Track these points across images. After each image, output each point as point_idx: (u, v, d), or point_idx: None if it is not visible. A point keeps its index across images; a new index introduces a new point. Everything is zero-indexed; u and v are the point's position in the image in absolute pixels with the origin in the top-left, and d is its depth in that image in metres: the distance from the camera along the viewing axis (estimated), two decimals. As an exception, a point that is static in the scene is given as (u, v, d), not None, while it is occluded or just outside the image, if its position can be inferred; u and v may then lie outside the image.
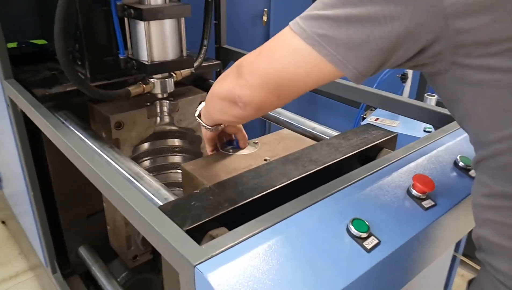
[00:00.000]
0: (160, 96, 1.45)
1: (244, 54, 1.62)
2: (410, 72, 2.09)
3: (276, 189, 0.87)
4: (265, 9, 2.48)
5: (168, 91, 1.44)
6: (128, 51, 1.40)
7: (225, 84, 0.80)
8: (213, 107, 0.89)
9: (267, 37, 2.54)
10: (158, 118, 1.51)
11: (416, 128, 1.96)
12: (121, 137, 1.42)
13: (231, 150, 1.15)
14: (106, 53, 1.45)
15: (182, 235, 0.68)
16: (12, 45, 2.10)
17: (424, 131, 1.94)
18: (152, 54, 1.34)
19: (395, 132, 1.16)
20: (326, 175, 0.92)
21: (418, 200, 0.81)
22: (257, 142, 1.19)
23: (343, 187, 0.80)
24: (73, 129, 1.27)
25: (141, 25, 1.31)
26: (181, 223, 0.74)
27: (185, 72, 1.51)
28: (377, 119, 2.03)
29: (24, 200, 1.60)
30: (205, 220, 0.76)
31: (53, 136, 1.08)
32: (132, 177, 1.03)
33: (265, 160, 1.11)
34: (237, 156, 1.13)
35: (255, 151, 1.16)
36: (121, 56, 1.36)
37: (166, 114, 1.52)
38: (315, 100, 2.93)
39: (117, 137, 1.41)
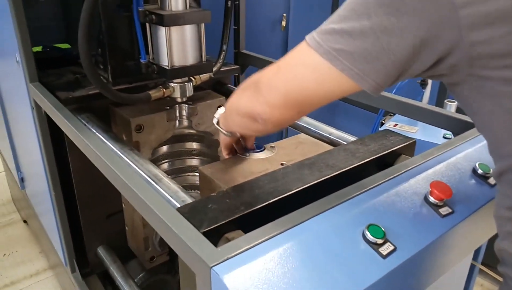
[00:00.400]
0: (179, 100, 1.47)
1: (262, 60, 1.64)
2: (429, 78, 2.07)
3: (292, 193, 0.88)
4: (284, 14, 2.49)
5: (187, 95, 1.47)
6: (149, 55, 1.42)
7: (244, 100, 0.80)
8: (232, 121, 0.90)
9: (285, 43, 2.55)
10: (177, 122, 1.54)
11: (435, 135, 1.94)
12: (141, 140, 1.45)
13: (248, 154, 1.16)
14: (128, 58, 1.48)
15: (199, 237, 0.70)
16: (37, 49, 2.16)
17: (444, 137, 1.92)
18: (172, 59, 1.36)
19: (413, 138, 1.15)
20: (342, 180, 0.92)
21: (435, 207, 0.81)
22: (274, 147, 1.20)
23: (359, 192, 0.80)
24: (94, 131, 1.30)
25: (162, 31, 1.33)
26: (198, 225, 0.75)
27: (204, 76, 1.53)
28: (396, 125, 2.01)
29: (46, 200, 1.64)
30: (222, 222, 0.77)
31: (76, 138, 1.11)
32: (151, 179, 1.05)
33: (282, 164, 1.12)
34: (254, 160, 1.14)
35: (272, 155, 1.16)
36: (142, 61, 1.39)
37: (185, 117, 1.55)
38: (333, 105, 2.93)
39: (137, 139, 1.44)
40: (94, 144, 1.02)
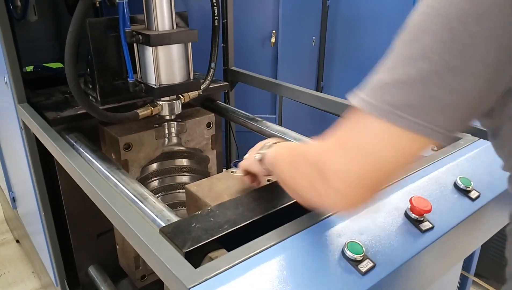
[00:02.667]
0: (167, 117, 1.49)
1: (251, 76, 1.64)
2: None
3: (276, 210, 0.88)
4: (273, 31, 2.52)
5: (176, 113, 1.48)
6: (137, 74, 1.44)
7: (306, 188, 0.67)
8: (292, 193, 0.76)
9: (275, 58, 2.58)
10: (166, 139, 1.55)
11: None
12: (130, 158, 1.45)
13: (235, 170, 1.17)
14: (116, 77, 1.49)
15: (179, 258, 0.70)
16: (29, 68, 2.18)
17: (432, 150, 1.93)
18: (160, 77, 1.38)
19: None
20: None
21: (416, 222, 0.81)
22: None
23: (339, 209, 0.81)
24: (82, 151, 1.31)
25: (149, 50, 1.35)
26: (181, 245, 0.75)
27: (193, 94, 1.55)
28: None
29: (36, 220, 1.64)
30: (205, 242, 0.77)
31: (61, 159, 1.12)
32: (137, 198, 1.05)
33: (268, 181, 1.12)
34: (241, 177, 1.14)
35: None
36: (130, 80, 1.41)
37: (174, 135, 1.56)
38: (326, 117, 2.95)
39: (126, 158, 1.44)
40: (78, 165, 1.03)
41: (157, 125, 1.51)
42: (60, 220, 1.61)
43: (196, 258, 0.75)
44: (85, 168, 1.02)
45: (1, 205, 2.93)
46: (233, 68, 1.91)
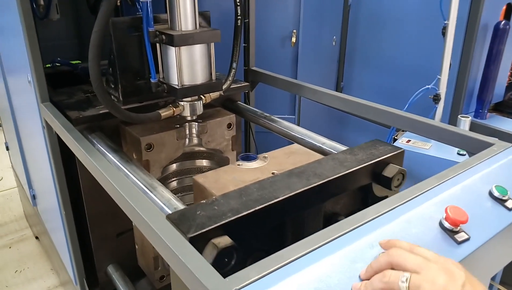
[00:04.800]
0: (189, 118, 1.47)
1: (272, 77, 1.62)
2: (443, 93, 2.04)
3: (279, 201, 0.90)
4: (294, 31, 2.49)
5: (197, 114, 1.47)
6: (160, 75, 1.43)
7: None
8: None
9: (296, 58, 2.55)
10: (187, 140, 1.53)
11: (449, 151, 1.91)
12: (151, 159, 1.44)
13: (241, 163, 1.21)
14: (138, 77, 1.49)
15: (184, 243, 0.72)
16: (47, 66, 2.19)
17: (458, 154, 1.88)
18: (182, 78, 1.37)
19: (401, 148, 1.15)
20: (329, 188, 0.99)
21: (451, 233, 0.78)
22: (267, 157, 1.25)
23: (370, 219, 0.78)
24: (104, 150, 1.30)
25: (172, 50, 1.34)
26: (186, 230, 0.78)
27: (214, 94, 1.53)
28: (409, 141, 1.98)
29: (56, 217, 1.64)
30: (208, 228, 0.80)
31: (83, 158, 1.11)
32: (147, 188, 1.08)
33: (273, 173, 1.13)
34: (246, 169, 1.19)
35: (264, 165, 1.21)
36: (152, 80, 1.40)
37: (194, 135, 1.54)
38: (345, 118, 2.91)
39: (147, 158, 1.43)
40: (101, 165, 1.03)
41: (178, 126, 1.50)
42: (80, 218, 1.61)
43: (200, 243, 0.77)
44: (107, 168, 1.01)
45: (21, 201, 2.96)
46: (254, 68, 1.89)
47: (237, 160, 1.19)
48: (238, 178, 1.13)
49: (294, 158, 1.24)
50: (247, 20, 1.83)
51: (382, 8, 2.58)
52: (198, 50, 1.37)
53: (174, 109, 1.41)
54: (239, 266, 0.77)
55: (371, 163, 1.07)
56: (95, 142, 1.36)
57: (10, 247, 2.68)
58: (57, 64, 2.16)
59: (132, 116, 1.32)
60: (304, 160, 1.15)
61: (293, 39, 2.48)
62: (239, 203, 0.88)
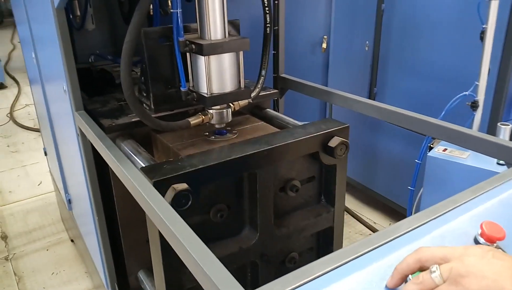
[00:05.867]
0: (218, 126, 1.48)
1: (302, 84, 1.62)
2: (481, 100, 1.96)
3: (231, 159, 1.17)
4: (325, 36, 2.47)
5: (226, 122, 1.47)
6: (190, 83, 1.44)
7: None
8: None
9: (326, 65, 2.52)
10: (216, 147, 1.55)
11: (488, 160, 1.83)
12: (180, 166, 1.46)
13: (213, 136, 1.48)
14: (169, 85, 1.51)
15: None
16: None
17: (498, 164, 1.80)
18: (211, 86, 1.38)
19: (346, 124, 1.37)
20: (276, 153, 1.25)
21: (487, 250, 0.74)
22: (236, 132, 1.52)
23: (401, 233, 0.76)
24: (136, 158, 1.33)
25: (202, 59, 1.35)
26: (151, 177, 1.06)
27: (243, 102, 1.53)
28: (445, 149, 1.91)
29: (89, 222, 1.68)
30: (169, 176, 1.07)
31: (114, 167, 1.14)
32: None
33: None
34: (216, 141, 1.46)
35: (232, 137, 1.48)
36: (182, 89, 1.41)
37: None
38: (377, 125, 2.85)
39: (177, 165, 1.45)
40: (131, 174, 1.05)
41: (207, 133, 1.50)
42: (113, 224, 1.65)
43: (163, 188, 1.04)
44: (135, 176, 1.03)
45: (58, 205, 3.06)
46: (283, 75, 1.88)
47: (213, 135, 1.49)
48: (206, 147, 1.39)
49: (258, 133, 1.49)
50: (276, 27, 1.82)
51: (417, 12, 2.52)
52: (227, 58, 1.37)
53: (203, 117, 1.43)
54: (198, 211, 1.18)
55: (316, 135, 1.31)
56: (127, 150, 1.39)
57: (47, 250, 2.77)
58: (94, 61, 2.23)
59: (162, 124, 1.34)
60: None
61: (324, 45, 2.46)
62: (199, 161, 1.15)
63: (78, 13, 2.04)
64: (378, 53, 2.86)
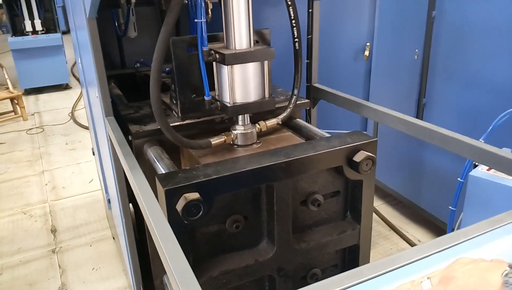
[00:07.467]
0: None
1: (334, 94, 1.59)
2: (533, 116, 1.80)
3: (245, 170, 1.15)
4: (368, 44, 2.38)
5: (250, 143, 1.46)
6: (215, 92, 1.45)
7: None
8: None
9: (368, 73, 2.43)
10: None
11: (539, 182, 1.67)
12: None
13: (235, 146, 1.46)
14: (197, 93, 1.52)
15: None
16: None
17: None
18: (234, 96, 1.37)
19: (375, 138, 1.31)
20: (295, 166, 1.21)
21: None
22: (260, 142, 1.50)
23: (427, 254, 0.70)
24: (158, 164, 1.35)
25: (225, 69, 1.35)
26: (164, 185, 1.06)
27: (270, 123, 1.52)
28: (490, 169, 1.77)
29: (119, 224, 1.73)
30: (182, 185, 1.07)
31: (128, 174, 1.16)
32: None
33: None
34: (238, 150, 1.45)
35: (255, 147, 1.47)
36: (206, 98, 1.42)
37: (250, 154, 1.54)
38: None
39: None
40: (137, 183, 1.08)
41: (236, 146, 1.49)
42: (143, 227, 1.68)
43: (175, 196, 1.06)
44: (140, 182, 1.06)
45: (103, 203, 3.20)
46: (316, 84, 1.84)
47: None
48: (228, 156, 1.40)
49: (282, 144, 1.47)
50: (310, 36, 1.78)
51: (469, 19, 2.36)
52: (251, 68, 1.36)
53: (226, 137, 1.42)
54: (214, 221, 1.19)
55: (340, 148, 1.27)
56: (152, 155, 1.42)
57: (90, 245, 2.90)
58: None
59: (184, 142, 1.36)
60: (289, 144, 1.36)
61: (366, 53, 2.37)
62: (213, 170, 1.14)
63: (122, 20, 2.12)
64: (428, 62, 2.71)
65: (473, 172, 1.79)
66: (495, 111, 2.00)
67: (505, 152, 1.17)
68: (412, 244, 2.86)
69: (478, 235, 0.74)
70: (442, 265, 0.68)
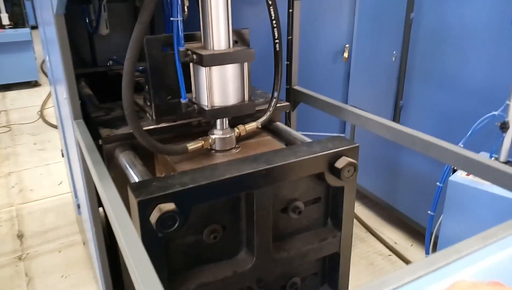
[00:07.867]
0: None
1: (314, 97, 1.53)
2: (511, 121, 1.80)
3: (223, 179, 1.08)
4: (347, 45, 2.36)
5: (228, 148, 1.40)
6: (192, 94, 1.38)
7: None
8: None
9: (347, 74, 2.41)
10: (219, 162, 1.48)
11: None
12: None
13: (213, 151, 1.40)
14: (172, 96, 1.45)
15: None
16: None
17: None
18: (212, 99, 1.31)
19: (356, 144, 1.27)
20: (276, 173, 1.16)
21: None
22: (239, 146, 1.44)
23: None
24: (131, 171, 1.27)
25: (203, 70, 1.28)
26: (137, 195, 0.98)
27: (250, 127, 1.46)
28: (469, 174, 1.76)
29: (89, 229, 1.64)
30: (156, 195, 1.00)
31: (96, 181, 1.09)
32: None
33: None
34: (215, 155, 1.39)
35: (234, 153, 1.41)
36: (182, 100, 1.35)
37: (227, 158, 1.48)
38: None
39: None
40: (105, 189, 1.01)
41: (214, 151, 1.43)
42: (113, 234, 1.60)
43: (149, 207, 0.99)
44: (109, 193, 0.99)
45: (74, 206, 3.08)
46: (296, 87, 1.79)
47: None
48: (206, 163, 1.32)
49: (262, 149, 1.42)
50: (290, 37, 1.73)
51: (447, 22, 2.36)
52: (230, 70, 1.30)
53: (203, 142, 1.36)
54: (190, 232, 1.11)
55: (321, 155, 1.22)
56: (124, 162, 1.34)
57: (60, 251, 2.78)
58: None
59: (159, 147, 1.29)
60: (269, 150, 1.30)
61: (345, 54, 2.35)
62: (190, 179, 1.06)
63: (93, 17, 2.02)
64: (405, 64, 2.71)
65: (453, 177, 1.78)
66: (471, 114, 2.00)
67: (483, 158, 1.16)
68: (388, 246, 2.86)
69: (471, 253, 0.71)
70: (436, 288, 0.64)
